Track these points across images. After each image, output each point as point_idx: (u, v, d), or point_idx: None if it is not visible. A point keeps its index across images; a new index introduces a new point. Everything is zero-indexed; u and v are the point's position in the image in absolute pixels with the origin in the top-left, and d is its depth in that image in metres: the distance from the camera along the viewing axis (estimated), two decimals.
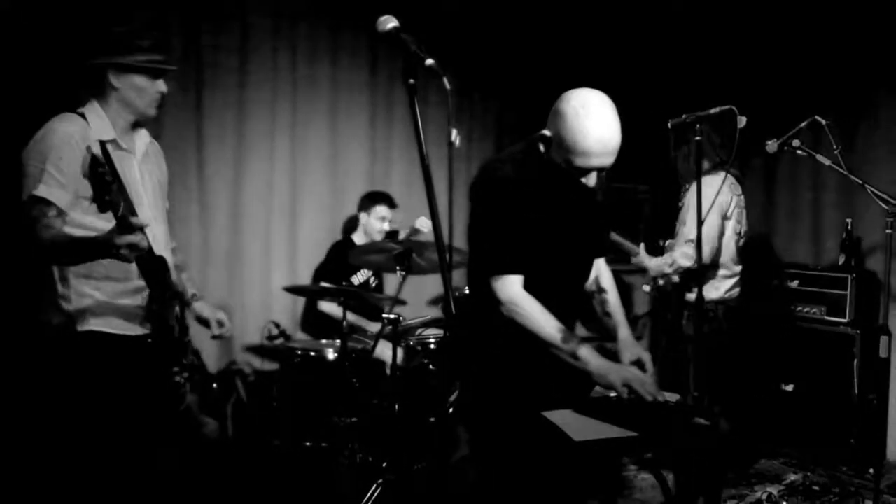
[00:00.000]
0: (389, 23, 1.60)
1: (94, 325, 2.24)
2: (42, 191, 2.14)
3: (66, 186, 2.16)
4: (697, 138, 2.50)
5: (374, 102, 4.71)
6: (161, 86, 2.35)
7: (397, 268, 3.56)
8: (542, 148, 2.16)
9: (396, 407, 3.54)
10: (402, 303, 3.85)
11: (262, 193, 4.36)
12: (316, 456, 3.63)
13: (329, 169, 4.58)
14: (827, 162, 3.07)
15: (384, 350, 3.81)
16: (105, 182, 1.83)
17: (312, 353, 3.75)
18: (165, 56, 2.37)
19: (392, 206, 4.32)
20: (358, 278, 4.30)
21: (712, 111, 2.46)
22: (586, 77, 2.55)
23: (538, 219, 2.17)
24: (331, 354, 3.73)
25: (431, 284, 4.59)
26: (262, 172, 4.35)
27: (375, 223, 4.26)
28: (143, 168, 2.41)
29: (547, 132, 2.12)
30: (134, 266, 2.24)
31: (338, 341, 3.77)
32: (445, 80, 1.50)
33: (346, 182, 4.65)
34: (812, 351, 4.23)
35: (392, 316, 3.41)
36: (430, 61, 1.53)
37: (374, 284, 4.43)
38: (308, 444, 3.66)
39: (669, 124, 2.58)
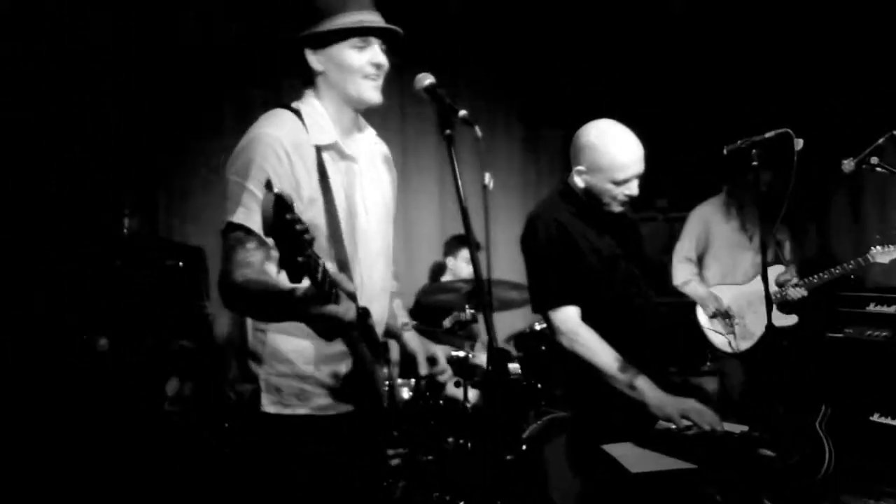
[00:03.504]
0: (427, 79, 1.72)
1: (291, 404, 1.75)
2: (240, 216, 1.66)
3: None
4: (754, 163, 2.47)
5: (440, 157, 4.84)
6: (377, 55, 1.75)
7: (466, 306, 3.64)
8: (579, 184, 2.28)
9: (469, 445, 3.57)
10: (472, 339, 3.91)
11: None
12: (393, 495, 3.69)
13: (399, 212, 4.73)
14: None
15: (458, 388, 3.86)
16: (296, 236, 1.32)
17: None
18: (378, 15, 1.77)
19: (476, 248, 4.38)
20: (450, 321, 4.37)
21: (767, 135, 2.43)
22: (640, 105, 2.62)
23: (588, 250, 2.26)
24: (406, 393, 3.82)
25: (506, 321, 4.63)
26: None
27: (463, 266, 4.34)
28: (368, 180, 1.86)
29: (580, 167, 2.25)
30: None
31: (412, 380, 3.85)
32: (477, 129, 1.60)
33: (416, 220, 4.79)
34: None
35: (461, 353, 3.47)
36: (462, 112, 1.63)
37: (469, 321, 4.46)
38: (385, 483, 3.72)
39: (725, 150, 2.56)
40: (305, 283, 1.42)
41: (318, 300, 1.46)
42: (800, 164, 2.42)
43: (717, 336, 3.85)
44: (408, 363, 1.99)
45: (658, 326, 2.41)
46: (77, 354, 3.32)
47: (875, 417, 3.77)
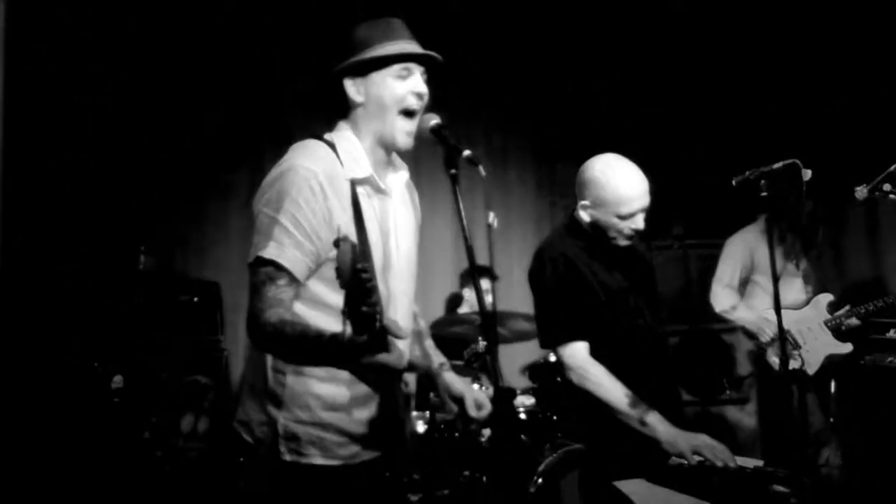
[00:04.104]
0: (432, 120, 1.75)
1: (308, 453, 1.69)
2: (272, 251, 1.60)
3: (302, 246, 1.62)
4: (763, 194, 2.46)
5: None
6: (419, 83, 1.71)
7: (479, 338, 3.63)
8: (585, 218, 2.28)
9: (484, 479, 3.54)
10: (487, 371, 3.89)
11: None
12: None
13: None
14: None
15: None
16: (364, 285, 1.30)
17: None
18: (417, 46, 1.73)
19: (493, 278, 4.41)
20: (467, 353, 4.35)
21: (775, 166, 2.43)
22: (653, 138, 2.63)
23: (596, 284, 2.26)
24: (421, 427, 3.80)
25: (520, 353, 4.60)
26: None
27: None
28: (401, 217, 1.82)
29: (585, 202, 2.26)
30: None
31: (427, 413, 3.84)
32: (481, 168, 1.62)
33: (432, 253, 4.81)
34: None
35: (476, 386, 3.46)
36: (467, 152, 1.66)
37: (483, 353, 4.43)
38: None
39: (734, 182, 2.56)
40: (339, 300, 1.37)
41: (373, 349, 1.40)
42: (816, 190, 2.43)
43: (777, 359, 3.71)
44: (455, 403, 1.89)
45: (668, 360, 2.40)
46: (92, 392, 3.35)
47: None
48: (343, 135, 1.75)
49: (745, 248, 3.87)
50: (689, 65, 4.94)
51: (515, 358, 4.66)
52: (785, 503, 1.86)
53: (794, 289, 3.80)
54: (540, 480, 3.35)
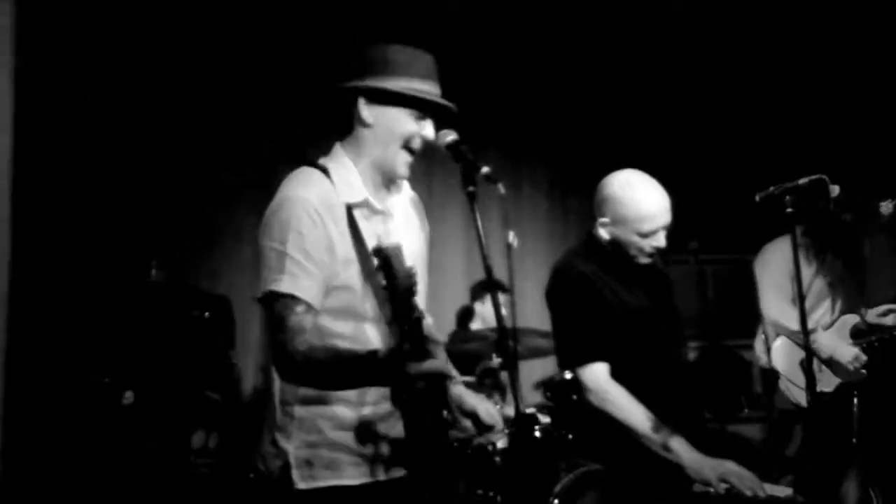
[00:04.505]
0: (449, 136, 1.71)
1: (322, 476, 1.66)
2: (286, 284, 1.59)
3: (313, 275, 1.61)
4: (789, 210, 2.39)
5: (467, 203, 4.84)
6: (429, 130, 1.69)
7: (493, 355, 3.57)
8: (604, 236, 2.23)
9: (499, 498, 3.46)
10: (499, 388, 3.83)
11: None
12: None
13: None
14: None
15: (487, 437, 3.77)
16: (414, 292, 1.35)
17: None
18: (438, 87, 1.69)
19: (505, 291, 4.34)
20: (479, 369, 4.29)
21: (801, 182, 2.36)
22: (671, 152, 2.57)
23: (616, 304, 2.20)
24: None
25: (535, 369, 4.54)
26: None
27: (491, 310, 4.26)
28: (403, 235, 1.75)
29: (605, 219, 2.21)
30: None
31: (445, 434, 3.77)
32: (500, 186, 1.57)
33: (442, 271, 4.76)
34: None
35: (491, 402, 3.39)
36: (485, 169, 1.61)
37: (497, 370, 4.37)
38: None
39: (757, 198, 2.50)
40: (343, 329, 1.51)
41: (417, 356, 1.40)
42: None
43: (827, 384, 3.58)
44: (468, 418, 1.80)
45: (689, 381, 2.33)
46: (103, 408, 3.32)
47: None
48: (338, 159, 1.72)
49: (786, 262, 3.66)
50: (707, 73, 4.87)
51: (530, 374, 4.60)
52: None
53: (822, 309, 3.68)
54: (556, 501, 3.28)
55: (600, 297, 2.20)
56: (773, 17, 4.56)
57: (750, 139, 4.81)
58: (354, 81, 1.67)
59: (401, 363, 1.42)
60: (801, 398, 3.48)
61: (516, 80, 4.91)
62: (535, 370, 4.53)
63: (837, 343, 3.49)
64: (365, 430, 1.68)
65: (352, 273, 1.65)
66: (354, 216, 1.68)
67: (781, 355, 3.66)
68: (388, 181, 1.74)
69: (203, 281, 4.01)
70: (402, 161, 1.70)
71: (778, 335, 3.61)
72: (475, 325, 4.33)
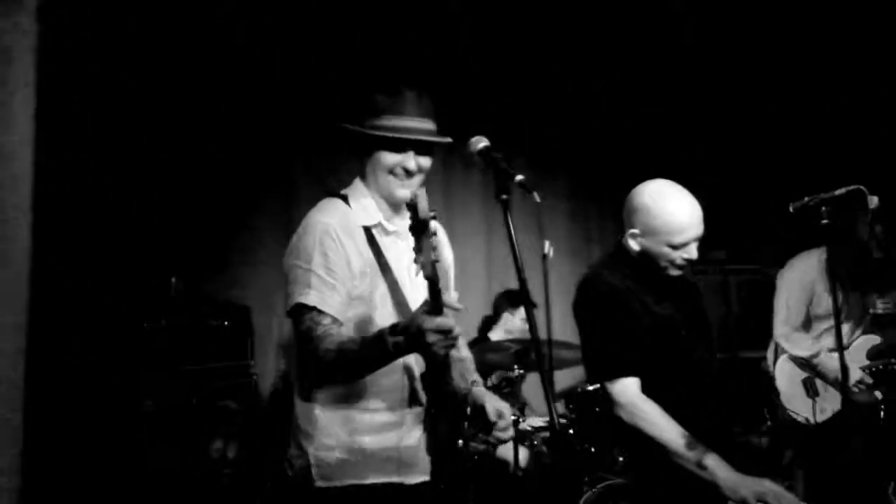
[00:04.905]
0: (481, 143, 1.67)
1: (338, 476, 1.83)
2: (313, 298, 1.79)
3: (337, 290, 1.81)
4: (825, 221, 2.34)
5: (486, 210, 4.77)
6: (408, 161, 1.86)
7: (515, 366, 3.52)
8: (634, 247, 2.17)
9: None
10: (524, 403, 3.77)
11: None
12: None
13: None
14: None
15: (508, 450, 3.72)
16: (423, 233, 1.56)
17: None
18: (427, 123, 1.88)
19: (532, 306, 4.27)
20: (496, 377, 4.24)
21: (838, 192, 2.30)
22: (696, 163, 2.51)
23: (645, 316, 2.14)
24: None
25: (557, 380, 4.47)
26: None
27: (518, 322, 4.21)
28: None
29: (635, 230, 2.15)
30: (404, 385, 1.85)
31: (459, 442, 3.72)
32: (536, 195, 1.53)
33: (463, 285, 4.70)
34: None
35: (513, 416, 3.34)
36: (519, 177, 1.57)
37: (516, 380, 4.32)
38: None
39: (791, 208, 2.44)
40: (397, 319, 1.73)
41: (434, 312, 1.59)
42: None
43: (821, 413, 3.50)
44: (477, 416, 1.94)
45: (720, 395, 2.26)
46: (123, 416, 3.31)
47: None
48: (356, 188, 1.97)
49: (808, 284, 3.51)
50: (733, 81, 4.79)
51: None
52: None
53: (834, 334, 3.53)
54: None
55: (630, 309, 2.13)
56: (808, 21, 4.43)
57: (778, 148, 4.72)
58: (347, 124, 1.91)
59: (418, 318, 1.59)
60: (796, 415, 3.51)
61: (523, 83, 4.85)
62: (557, 380, 4.47)
63: (835, 368, 3.35)
64: (382, 435, 1.84)
65: (365, 285, 1.86)
66: (374, 235, 1.90)
67: (782, 374, 3.61)
68: (395, 206, 1.93)
69: (222, 291, 3.99)
70: (395, 185, 1.89)
71: (783, 352, 3.57)
72: (495, 336, 4.27)
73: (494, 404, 1.90)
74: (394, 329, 1.67)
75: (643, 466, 2.14)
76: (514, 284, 4.50)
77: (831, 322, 3.44)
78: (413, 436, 1.89)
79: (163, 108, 3.91)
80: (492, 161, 1.62)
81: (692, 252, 2.13)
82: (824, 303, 3.48)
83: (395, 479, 1.85)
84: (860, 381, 3.44)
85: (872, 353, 3.54)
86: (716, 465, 1.94)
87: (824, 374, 3.47)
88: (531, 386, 4.01)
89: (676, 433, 2.00)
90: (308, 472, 1.83)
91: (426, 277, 1.62)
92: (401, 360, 1.81)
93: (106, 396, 3.31)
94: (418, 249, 1.61)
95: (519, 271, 1.55)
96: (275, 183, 4.21)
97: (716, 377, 2.25)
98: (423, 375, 1.85)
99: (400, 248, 1.91)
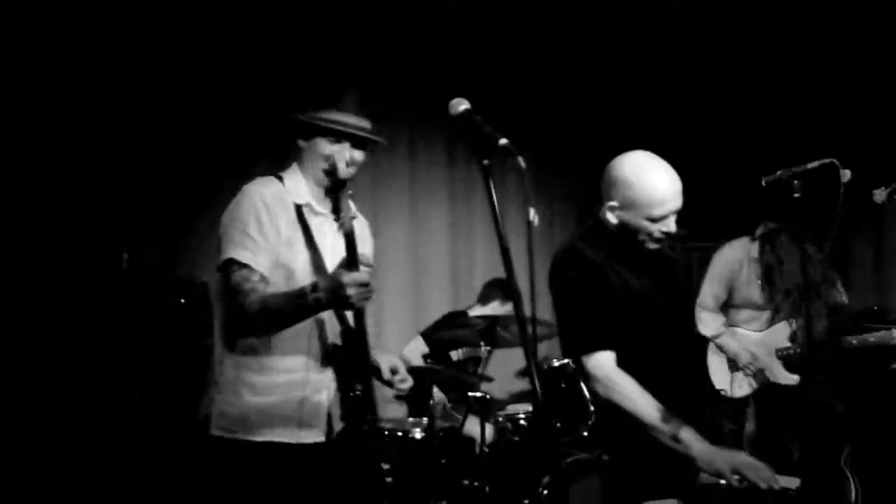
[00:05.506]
0: (461, 105, 1.60)
1: (235, 430, 2.01)
2: (246, 256, 1.98)
3: (267, 251, 2.00)
4: (796, 195, 2.34)
5: (452, 189, 4.72)
6: (346, 152, 2.08)
7: (481, 342, 3.49)
8: (612, 220, 2.13)
9: (487, 488, 3.39)
10: (489, 379, 3.74)
11: None
12: None
13: (410, 254, 4.60)
14: None
15: (473, 427, 3.70)
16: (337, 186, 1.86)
17: (399, 433, 3.67)
18: (365, 122, 2.10)
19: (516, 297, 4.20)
20: (463, 353, 4.18)
21: (810, 166, 2.31)
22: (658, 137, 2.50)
23: (623, 292, 2.11)
24: (418, 434, 3.64)
25: (520, 357, 4.46)
26: None
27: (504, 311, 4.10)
28: (338, 234, 2.14)
29: (613, 203, 2.11)
30: (312, 347, 2.05)
31: (425, 419, 3.68)
32: (520, 160, 1.47)
33: (427, 261, 4.65)
34: None
35: (479, 393, 3.32)
36: (503, 141, 1.50)
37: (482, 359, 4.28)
38: None
39: (763, 182, 2.44)
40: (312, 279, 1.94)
41: (350, 266, 1.83)
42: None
43: (740, 388, 3.61)
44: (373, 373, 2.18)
45: (697, 370, 2.26)
46: (70, 394, 3.17)
47: None
48: (292, 171, 2.15)
49: (728, 270, 3.62)
50: (699, 56, 4.78)
51: (514, 362, 4.52)
52: None
53: (760, 320, 3.57)
54: (545, 492, 3.22)
55: (606, 283, 2.10)
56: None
57: (743, 127, 4.74)
58: (294, 114, 2.10)
59: (336, 273, 1.80)
60: (719, 389, 3.55)
61: (522, 83, 4.82)
62: (519, 357, 4.46)
63: (739, 348, 3.54)
64: (286, 395, 2.01)
65: (293, 254, 2.04)
66: (303, 212, 2.08)
67: (711, 349, 3.68)
68: (327, 190, 2.12)
69: (181, 268, 3.83)
70: (328, 172, 2.08)
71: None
72: (474, 313, 4.19)
73: (389, 362, 2.17)
74: (314, 286, 1.85)
75: (620, 446, 2.12)
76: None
77: (749, 312, 3.58)
78: (318, 397, 2.07)
79: (117, 76, 3.70)
80: (473, 125, 1.55)
81: (670, 225, 2.10)
82: (743, 292, 3.56)
83: (289, 438, 2.02)
84: (748, 365, 3.51)
85: (791, 337, 3.56)
86: (691, 439, 1.93)
87: (726, 354, 3.57)
88: (497, 363, 3.98)
89: (651, 407, 1.98)
90: (209, 420, 2.00)
91: (344, 233, 1.87)
92: (311, 322, 2.01)
93: (54, 373, 3.17)
94: (336, 210, 1.87)
95: (501, 238, 1.49)
96: (235, 158, 4.05)
97: (690, 352, 2.25)
98: (339, 337, 2.06)
99: (325, 229, 2.10)
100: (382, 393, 4.43)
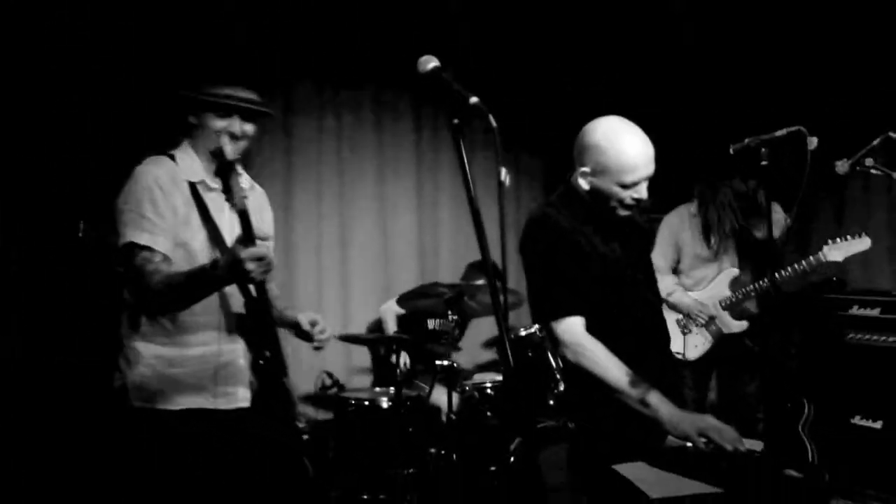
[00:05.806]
0: (430, 63, 1.55)
1: (153, 400, 2.05)
2: (145, 238, 1.99)
3: (166, 231, 2.02)
4: (764, 163, 2.34)
5: (419, 157, 4.66)
6: (233, 125, 2.09)
7: (449, 312, 3.47)
8: (583, 186, 2.12)
9: (454, 456, 3.39)
10: (457, 348, 3.74)
11: (313, 249, 4.33)
12: None
13: (378, 225, 4.54)
14: None
15: (440, 396, 3.70)
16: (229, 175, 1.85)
17: (366, 402, 3.66)
18: (253, 95, 2.12)
19: (503, 280, 4.15)
20: (438, 324, 4.16)
21: (778, 133, 2.31)
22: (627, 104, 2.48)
23: (593, 258, 2.10)
24: (385, 403, 3.63)
25: (486, 327, 4.46)
26: (310, 231, 4.32)
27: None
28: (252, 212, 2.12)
29: (585, 168, 2.10)
30: (221, 319, 2.09)
31: (391, 389, 3.66)
32: (491, 118, 1.42)
33: (395, 233, 4.60)
34: None
35: (446, 362, 3.31)
36: (474, 99, 1.46)
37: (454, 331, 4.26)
38: (365, 496, 3.54)
39: (731, 150, 2.44)
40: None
41: (247, 242, 1.83)
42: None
43: (694, 348, 3.71)
44: (292, 328, 2.23)
45: (666, 336, 2.27)
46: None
47: (856, 420, 3.72)
48: (183, 148, 2.16)
49: (670, 234, 3.73)
50: (668, 33, 4.74)
51: (480, 332, 4.52)
52: (797, 488, 1.76)
53: (708, 276, 3.69)
54: (513, 458, 3.23)
55: (577, 249, 2.09)
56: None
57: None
58: (183, 91, 2.10)
59: (233, 249, 1.79)
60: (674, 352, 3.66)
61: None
62: (487, 326, 4.46)
63: (690, 300, 3.66)
64: (197, 367, 2.06)
65: (190, 233, 2.06)
66: (197, 189, 2.09)
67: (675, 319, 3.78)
68: (217, 171, 2.11)
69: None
70: (224, 142, 2.05)
71: None
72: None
73: (307, 316, 2.20)
74: (214, 264, 1.86)
75: (588, 410, 2.12)
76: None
77: (699, 272, 3.69)
78: (234, 364, 2.13)
79: (71, 48, 3.53)
80: (443, 82, 1.50)
81: (642, 192, 2.09)
82: (688, 248, 3.68)
83: (207, 405, 2.08)
84: (699, 315, 3.63)
85: (731, 283, 3.68)
86: (658, 402, 1.94)
87: (679, 311, 3.70)
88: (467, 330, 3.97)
89: (620, 371, 1.99)
90: (125, 393, 2.05)
91: (238, 211, 1.88)
92: (217, 296, 2.05)
93: (50, 374, 3.11)
94: (227, 189, 1.89)
95: (471, 202, 1.45)
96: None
97: (659, 318, 2.25)
98: (244, 307, 2.06)
99: (222, 204, 2.07)
100: (349, 365, 4.43)
